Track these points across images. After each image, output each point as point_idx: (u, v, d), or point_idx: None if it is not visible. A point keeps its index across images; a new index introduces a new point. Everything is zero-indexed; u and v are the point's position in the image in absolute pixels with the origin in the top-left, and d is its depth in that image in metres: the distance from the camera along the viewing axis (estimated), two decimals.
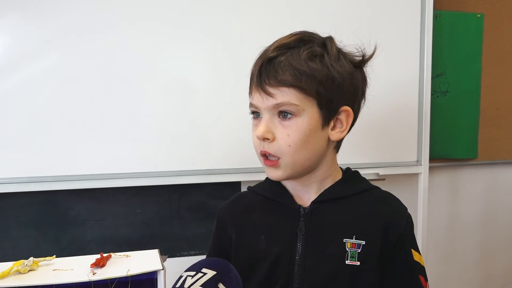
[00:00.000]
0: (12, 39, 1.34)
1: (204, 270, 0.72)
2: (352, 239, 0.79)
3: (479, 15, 1.83)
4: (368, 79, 0.87)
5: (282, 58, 0.76)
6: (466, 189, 1.97)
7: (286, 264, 0.82)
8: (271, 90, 0.76)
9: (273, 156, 0.79)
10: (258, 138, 0.78)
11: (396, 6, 1.59)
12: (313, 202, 0.83)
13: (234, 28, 1.45)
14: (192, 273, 0.72)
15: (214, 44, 1.44)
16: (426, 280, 0.84)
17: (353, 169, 0.91)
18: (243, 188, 1.61)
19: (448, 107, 1.82)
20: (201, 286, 0.69)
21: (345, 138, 0.86)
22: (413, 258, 0.81)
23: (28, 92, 1.35)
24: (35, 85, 1.35)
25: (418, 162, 1.66)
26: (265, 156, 0.80)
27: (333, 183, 0.86)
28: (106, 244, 1.53)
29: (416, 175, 1.69)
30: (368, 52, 0.85)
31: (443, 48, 1.77)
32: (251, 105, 0.81)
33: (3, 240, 1.47)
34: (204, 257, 1.64)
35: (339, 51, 0.80)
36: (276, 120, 0.77)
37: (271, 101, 0.76)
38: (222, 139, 1.46)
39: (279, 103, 0.76)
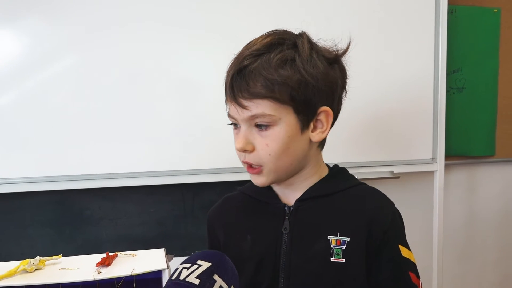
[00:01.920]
0: (30, 40, 1.36)
1: (199, 262, 0.72)
2: (337, 235, 0.78)
3: (495, 10, 1.80)
4: (347, 72, 0.84)
5: (252, 67, 0.74)
6: (483, 187, 1.94)
7: (271, 264, 0.81)
8: (244, 102, 0.75)
9: (255, 164, 0.79)
10: (238, 150, 0.79)
11: (409, 1, 1.56)
12: (297, 200, 0.83)
13: (245, 26, 1.44)
14: (188, 265, 0.72)
15: (230, 44, 1.44)
16: (418, 277, 0.82)
17: (340, 166, 0.90)
18: None
19: (464, 104, 1.79)
20: (196, 277, 0.69)
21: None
22: (400, 254, 0.80)
23: (45, 93, 1.37)
24: (52, 86, 1.38)
25: (433, 160, 1.64)
26: (248, 164, 0.80)
27: (318, 180, 0.85)
28: (120, 242, 1.54)
29: (431, 173, 1.67)
30: (343, 46, 0.82)
31: (459, 44, 1.74)
32: (228, 115, 0.81)
33: (20, 238, 1.50)
34: None
35: (312, 49, 0.77)
36: (254, 130, 0.77)
37: (246, 113, 0.75)
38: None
39: (254, 115, 0.75)
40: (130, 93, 1.41)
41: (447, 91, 1.67)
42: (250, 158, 0.79)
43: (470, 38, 1.77)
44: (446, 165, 1.68)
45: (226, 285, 0.70)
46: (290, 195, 0.84)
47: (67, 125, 1.39)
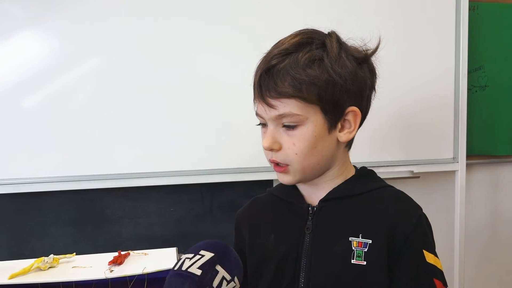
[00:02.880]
0: (55, 42, 1.39)
1: (202, 252, 0.72)
2: (359, 237, 0.77)
3: None
4: (377, 71, 0.83)
5: (280, 66, 0.74)
6: (506, 187, 1.90)
7: (292, 264, 0.81)
8: (272, 101, 0.75)
9: (282, 163, 0.79)
10: (265, 148, 0.79)
11: None
12: (321, 201, 0.82)
13: (266, 27, 1.45)
14: (191, 255, 0.72)
15: (247, 44, 1.45)
16: (445, 284, 0.79)
17: (368, 168, 0.88)
18: None
19: (487, 102, 1.76)
20: (198, 268, 0.69)
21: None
22: (425, 260, 0.77)
23: (68, 94, 1.40)
24: (75, 87, 1.40)
25: (454, 159, 1.61)
26: (274, 162, 0.80)
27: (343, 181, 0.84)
28: (140, 241, 1.56)
29: (452, 172, 1.64)
30: (373, 45, 0.81)
31: (481, 41, 1.71)
32: (256, 114, 0.81)
33: (43, 236, 1.53)
34: None
35: (341, 48, 0.76)
36: (281, 129, 0.77)
37: (273, 112, 0.76)
38: (254, 138, 1.45)
39: (281, 114, 0.75)
40: (151, 94, 1.43)
41: (469, 89, 1.64)
42: (277, 156, 0.78)
43: (493, 35, 1.74)
44: (467, 165, 1.65)
45: (229, 276, 0.70)
46: (315, 195, 0.84)
47: (90, 126, 1.41)
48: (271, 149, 0.78)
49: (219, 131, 1.46)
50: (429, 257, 0.78)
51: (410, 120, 1.56)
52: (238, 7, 1.45)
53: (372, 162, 1.52)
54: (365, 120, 0.84)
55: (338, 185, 0.83)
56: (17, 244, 1.53)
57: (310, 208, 0.83)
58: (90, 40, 1.40)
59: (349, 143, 0.83)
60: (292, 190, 0.86)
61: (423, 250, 0.78)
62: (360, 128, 0.82)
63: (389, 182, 0.87)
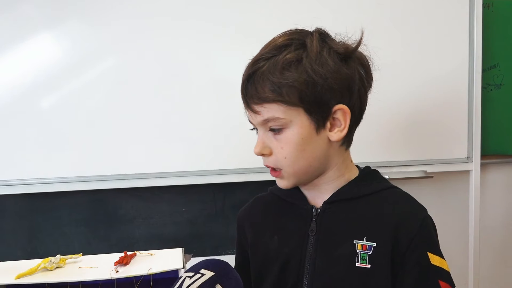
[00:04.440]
0: (71, 43, 1.41)
1: (202, 271, 0.72)
2: (363, 240, 0.76)
3: None
4: (371, 63, 0.81)
5: (260, 72, 0.75)
6: None
7: (296, 265, 0.80)
8: (256, 107, 0.76)
9: (275, 168, 0.80)
10: (256, 154, 0.80)
11: None
12: (325, 203, 0.81)
13: (278, 29, 1.44)
14: (191, 274, 0.72)
15: (258, 44, 1.44)
16: (453, 285, 0.78)
17: (372, 168, 0.87)
18: None
19: (502, 101, 1.73)
20: (198, 287, 0.70)
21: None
22: (429, 262, 0.76)
23: (82, 95, 1.41)
24: (89, 88, 1.42)
25: (468, 159, 1.59)
26: (268, 167, 0.81)
27: (347, 182, 0.82)
28: (153, 241, 1.57)
29: (466, 172, 1.62)
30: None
31: (496, 39, 1.68)
32: (248, 120, 0.82)
33: (57, 236, 1.55)
34: None
35: (323, 46, 0.75)
36: (270, 134, 0.78)
37: (259, 118, 0.77)
38: None
39: (266, 119, 0.76)
40: (163, 95, 1.44)
41: (484, 87, 1.62)
42: (269, 161, 0.79)
43: (509, 32, 1.71)
44: (482, 164, 1.63)
45: None
46: (317, 197, 0.83)
47: (103, 126, 1.42)
48: (262, 154, 0.79)
49: (231, 131, 1.46)
50: (434, 259, 0.77)
51: (423, 119, 1.54)
52: (250, 7, 1.44)
53: (385, 162, 1.51)
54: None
55: (342, 187, 0.82)
56: (31, 244, 1.54)
57: (314, 210, 0.82)
58: (105, 41, 1.41)
59: (346, 142, 0.81)
60: (294, 191, 0.85)
61: (428, 252, 0.76)
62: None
63: (402, 182, 0.86)
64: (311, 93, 0.73)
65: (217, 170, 1.46)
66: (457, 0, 1.54)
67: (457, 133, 1.58)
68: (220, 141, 1.46)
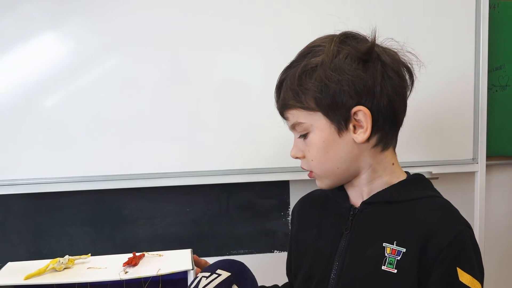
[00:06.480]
0: (75, 43, 1.40)
1: (218, 271, 0.73)
2: (393, 244, 0.76)
3: None
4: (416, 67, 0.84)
5: (285, 80, 0.80)
6: None
7: (326, 261, 0.82)
8: (285, 114, 0.82)
9: (308, 170, 0.84)
10: (292, 157, 0.84)
11: None
12: (363, 203, 0.82)
13: (287, 28, 1.44)
14: (207, 274, 0.73)
15: (265, 44, 1.45)
16: None
17: (421, 175, 0.86)
18: (292, 188, 1.61)
19: (508, 102, 1.72)
20: (215, 287, 0.71)
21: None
22: (457, 278, 0.72)
23: (86, 95, 1.41)
24: (93, 88, 1.41)
25: (474, 160, 1.58)
26: (304, 169, 0.85)
27: (387, 185, 0.82)
28: (157, 242, 1.57)
29: (472, 174, 1.61)
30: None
31: (502, 40, 1.67)
32: None
33: (61, 236, 1.55)
34: (252, 255, 1.65)
35: (341, 51, 0.75)
36: (301, 138, 0.82)
37: (288, 123, 0.83)
38: (270, 139, 1.46)
39: (293, 124, 0.81)
40: (168, 95, 1.43)
41: (490, 88, 1.61)
42: (303, 164, 0.84)
43: None
44: (487, 166, 1.62)
45: None
46: (358, 196, 0.84)
47: (107, 126, 1.42)
48: (297, 157, 0.83)
49: (236, 131, 1.46)
50: (463, 277, 0.73)
51: (428, 120, 1.53)
52: (256, 7, 1.44)
53: None
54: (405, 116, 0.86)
55: (384, 189, 0.81)
56: (35, 244, 1.55)
57: (351, 209, 0.83)
58: (109, 40, 1.41)
59: (381, 144, 0.80)
60: (339, 189, 0.87)
61: (458, 268, 0.73)
62: (402, 126, 0.84)
63: None
64: (326, 98, 0.75)
65: (221, 170, 1.46)
66: (463, 1, 1.53)
67: (463, 135, 1.57)
68: (225, 142, 1.46)
